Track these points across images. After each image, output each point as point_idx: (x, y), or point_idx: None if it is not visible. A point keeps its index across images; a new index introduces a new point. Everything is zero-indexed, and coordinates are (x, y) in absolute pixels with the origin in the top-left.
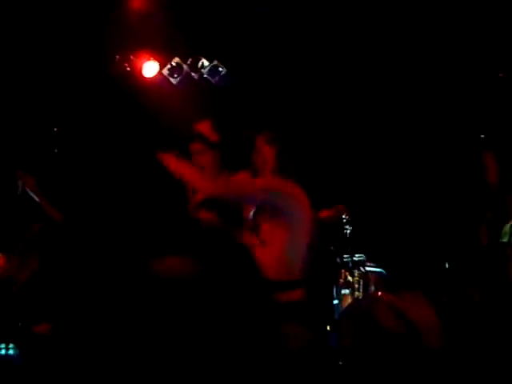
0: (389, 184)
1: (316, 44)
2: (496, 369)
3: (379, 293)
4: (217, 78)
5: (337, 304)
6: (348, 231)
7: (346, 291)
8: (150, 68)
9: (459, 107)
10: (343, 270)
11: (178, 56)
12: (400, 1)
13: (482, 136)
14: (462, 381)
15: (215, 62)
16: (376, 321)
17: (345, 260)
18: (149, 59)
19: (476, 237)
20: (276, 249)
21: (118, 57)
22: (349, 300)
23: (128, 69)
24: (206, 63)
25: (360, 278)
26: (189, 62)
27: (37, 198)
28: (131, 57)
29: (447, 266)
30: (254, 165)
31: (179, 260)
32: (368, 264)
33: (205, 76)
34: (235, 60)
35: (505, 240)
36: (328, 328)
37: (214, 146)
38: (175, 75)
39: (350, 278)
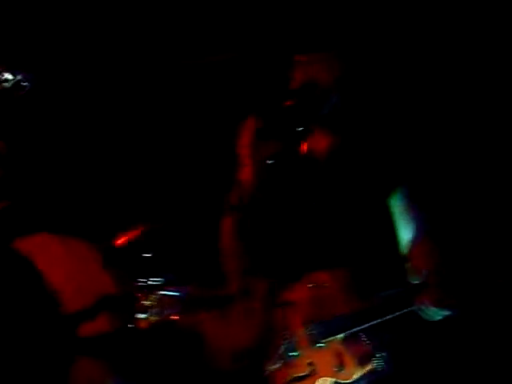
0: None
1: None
2: None
3: (176, 317)
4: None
5: (131, 328)
6: (145, 254)
7: (141, 316)
8: None
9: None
10: (139, 295)
11: None
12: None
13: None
14: None
15: (19, 77)
16: (173, 344)
17: (140, 284)
18: None
19: None
20: None
21: None
22: (143, 325)
23: None
24: (10, 77)
25: (155, 301)
26: None
27: None
28: None
29: None
30: None
31: None
32: (166, 288)
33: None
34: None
35: None
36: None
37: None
38: None
39: (145, 302)
